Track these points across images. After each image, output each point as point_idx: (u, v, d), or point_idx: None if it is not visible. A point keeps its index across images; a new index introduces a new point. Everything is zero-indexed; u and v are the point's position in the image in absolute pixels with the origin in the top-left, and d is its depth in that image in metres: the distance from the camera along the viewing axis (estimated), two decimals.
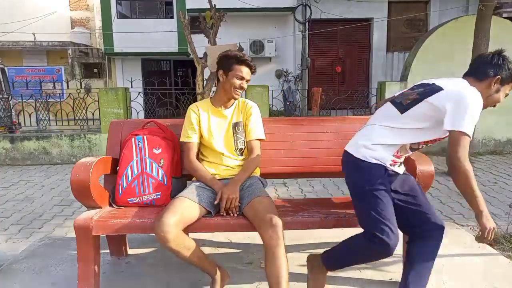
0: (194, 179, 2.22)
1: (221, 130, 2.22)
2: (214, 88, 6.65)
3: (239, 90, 2.18)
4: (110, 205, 2.18)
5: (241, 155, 2.23)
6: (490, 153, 7.25)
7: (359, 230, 1.85)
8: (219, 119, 2.23)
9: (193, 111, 2.23)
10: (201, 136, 2.22)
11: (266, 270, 1.80)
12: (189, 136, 2.20)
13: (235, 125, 2.23)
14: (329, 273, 2.17)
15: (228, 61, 2.16)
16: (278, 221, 1.79)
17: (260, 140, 2.24)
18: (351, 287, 2.13)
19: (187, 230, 1.92)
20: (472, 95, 1.70)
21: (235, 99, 2.24)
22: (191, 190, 2.03)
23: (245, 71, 2.17)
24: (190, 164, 2.17)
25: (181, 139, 2.23)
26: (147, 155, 2.21)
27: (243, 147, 2.23)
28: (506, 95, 1.85)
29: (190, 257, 1.88)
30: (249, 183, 2.12)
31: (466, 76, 1.85)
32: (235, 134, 2.22)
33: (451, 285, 2.13)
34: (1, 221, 4.06)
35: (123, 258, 2.52)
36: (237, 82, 2.15)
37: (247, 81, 2.20)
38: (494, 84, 1.80)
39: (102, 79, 12.88)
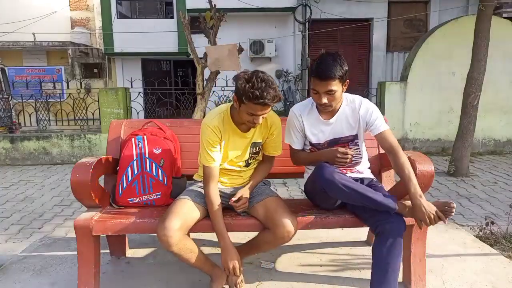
0: (195, 177, 2.21)
1: (238, 149, 2.03)
2: (214, 88, 6.67)
3: (252, 124, 1.90)
4: (110, 205, 2.19)
5: (247, 166, 2.13)
6: (490, 153, 7.25)
7: (359, 230, 1.85)
8: (239, 140, 2.02)
9: (215, 133, 1.93)
10: None
11: (259, 234, 1.96)
12: (214, 160, 1.94)
13: (254, 144, 2.06)
14: (329, 274, 2.17)
15: (243, 94, 1.79)
16: (293, 224, 1.85)
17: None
18: (351, 287, 2.13)
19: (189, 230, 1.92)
20: None
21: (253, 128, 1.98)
22: (193, 191, 2.03)
23: (260, 109, 1.82)
24: (209, 196, 1.92)
25: (204, 163, 1.95)
26: (147, 155, 2.21)
27: (252, 161, 2.14)
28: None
29: (191, 259, 1.89)
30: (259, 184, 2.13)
31: None
32: (250, 153, 2.07)
33: (451, 285, 2.13)
34: (1, 221, 4.06)
35: (123, 258, 2.52)
36: (249, 118, 1.86)
37: (263, 115, 1.87)
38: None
39: (102, 79, 12.88)
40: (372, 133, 2.00)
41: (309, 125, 2.06)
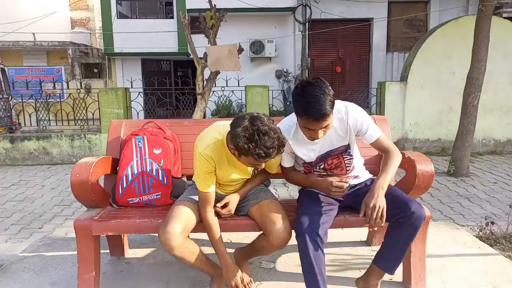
0: (194, 179, 2.21)
1: (240, 173, 1.98)
2: (214, 88, 6.68)
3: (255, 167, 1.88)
4: (110, 205, 2.19)
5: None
6: (490, 153, 7.25)
7: (359, 230, 1.85)
8: (236, 168, 1.95)
9: (209, 163, 1.85)
10: None
11: (257, 239, 1.98)
12: (209, 186, 1.88)
13: (256, 168, 1.98)
14: (328, 274, 2.17)
15: (243, 149, 1.68)
16: (286, 231, 1.84)
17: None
18: (351, 287, 2.13)
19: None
20: None
21: None
22: (192, 192, 2.03)
23: (263, 162, 1.75)
24: (206, 220, 1.89)
25: (199, 188, 1.89)
26: (147, 155, 2.21)
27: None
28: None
29: (192, 261, 1.91)
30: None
31: None
32: (254, 171, 2.03)
33: (451, 285, 2.13)
34: (1, 221, 4.06)
35: (123, 258, 2.52)
36: (250, 165, 1.82)
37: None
38: None
39: (102, 79, 12.87)
40: (366, 141, 1.93)
41: (298, 146, 1.95)
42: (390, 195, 1.80)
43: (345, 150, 1.96)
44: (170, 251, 1.81)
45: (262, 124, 1.66)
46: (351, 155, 2.00)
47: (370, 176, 2.14)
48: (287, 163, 2.03)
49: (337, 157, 1.97)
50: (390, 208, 1.77)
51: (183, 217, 1.86)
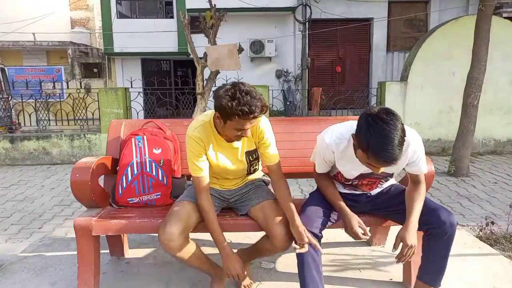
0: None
1: (233, 161, 1.96)
2: (214, 88, 6.68)
3: (240, 138, 1.84)
4: (110, 205, 2.18)
5: (249, 174, 2.10)
6: (490, 153, 7.25)
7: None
8: (228, 153, 1.94)
9: (197, 143, 1.85)
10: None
11: (260, 240, 1.98)
12: (201, 169, 1.88)
13: (249, 153, 1.97)
14: (328, 274, 2.17)
15: (228, 112, 1.69)
16: (289, 233, 1.82)
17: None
18: (351, 287, 2.13)
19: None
20: None
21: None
22: (192, 192, 2.02)
23: (249, 123, 1.74)
24: (202, 207, 1.87)
25: (192, 174, 1.90)
26: (147, 155, 2.21)
27: (257, 167, 2.11)
28: None
29: (192, 261, 1.91)
30: (255, 184, 2.12)
31: None
32: (249, 162, 2.00)
33: (451, 285, 2.13)
34: (1, 221, 4.06)
35: (123, 258, 2.52)
36: (237, 133, 1.78)
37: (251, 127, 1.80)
38: None
39: (102, 79, 12.87)
40: (407, 170, 1.84)
41: (342, 162, 1.83)
42: None
43: (386, 177, 1.94)
44: (170, 252, 1.81)
45: (243, 86, 1.71)
46: (389, 181, 1.99)
47: (394, 182, 2.09)
48: (321, 169, 1.95)
49: (375, 181, 1.94)
50: (420, 217, 1.78)
51: (183, 217, 1.85)
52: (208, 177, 1.91)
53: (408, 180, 1.91)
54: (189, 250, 1.86)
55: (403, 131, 1.56)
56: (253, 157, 2.00)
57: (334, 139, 1.80)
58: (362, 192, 2.00)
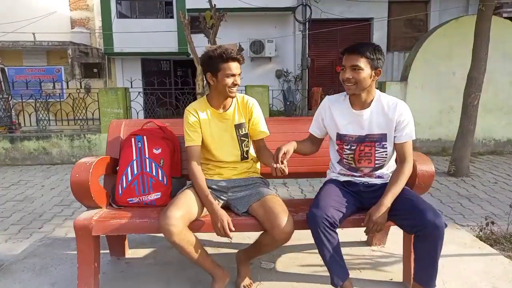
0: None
1: (224, 135, 2.11)
2: None
3: (233, 88, 2.04)
4: (110, 205, 2.18)
5: (247, 157, 2.18)
6: (490, 153, 7.25)
7: (359, 230, 1.84)
8: (220, 123, 2.11)
9: (192, 115, 2.08)
10: (202, 141, 2.12)
11: (259, 237, 1.99)
12: (193, 139, 2.07)
13: (238, 126, 2.12)
14: (328, 274, 2.16)
15: (213, 62, 1.99)
16: (289, 223, 1.85)
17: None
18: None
19: (189, 228, 1.92)
20: None
21: (232, 97, 2.10)
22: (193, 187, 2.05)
23: (234, 66, 2.00)
24: (192, 169, 2.03)
25: (186, 144, 2.08)
26: (147, 155, 2.21)
27: (248, 149, 2.18)
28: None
29: (193, 254, 1.90)
30: (254, 182, 2.14)
31: None
32: (239, 137, 2.12)
33: (451, 285, 2.13)
34: (1, 221, 4.06)
35: (123, 258, 2.52)
36: (229, 80, 2.00)
37: (239, 75, 2.04)
38: None
39: (102, 79, 12.88)
40: (396, 140, 1.95)
41: (338, 114, 2.01)
42: (406, 204, 1.84)
43: (380, 141, 1.96)
44: (169, 237, 1.80)
45: (222, 46, 2.07)
46: (385, 148, 1.97)
47: (389, 169, 2.10)
48: (312, 128, 2.14)
49: (370, 146, 1.97)
50: (406, 218, 1.82)
51: (184, 204, 1.90)
52: (199, 148, 2.10)
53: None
54: (189, 239, 1.86)
55: (379, 49, 1.89)
56: (242, 131, 2.13)
57: (331, 97, 2.10)
58: (361, 181, 2.02)
